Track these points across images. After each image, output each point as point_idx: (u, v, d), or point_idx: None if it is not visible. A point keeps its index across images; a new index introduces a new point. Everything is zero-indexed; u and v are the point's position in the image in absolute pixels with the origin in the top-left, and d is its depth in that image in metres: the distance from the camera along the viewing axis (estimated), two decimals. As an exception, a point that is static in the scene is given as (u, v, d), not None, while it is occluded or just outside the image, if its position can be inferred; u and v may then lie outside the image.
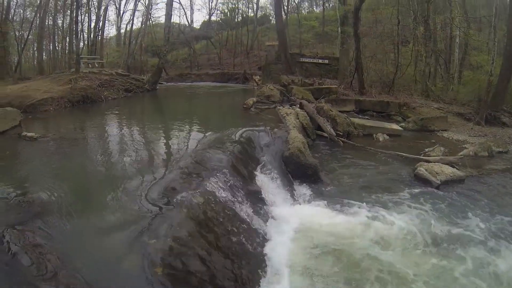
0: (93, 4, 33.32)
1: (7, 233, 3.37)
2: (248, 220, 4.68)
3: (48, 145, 7.03)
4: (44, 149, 6.72)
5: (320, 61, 22.64)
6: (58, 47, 36.06)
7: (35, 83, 16.62)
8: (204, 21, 48.44)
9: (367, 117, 12.97)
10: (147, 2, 34.59)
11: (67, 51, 35.35)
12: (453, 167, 7.45)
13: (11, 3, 29.65)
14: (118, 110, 13.42)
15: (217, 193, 4.63)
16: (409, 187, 6.56)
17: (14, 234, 3.37)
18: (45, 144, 7.08)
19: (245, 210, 4.80)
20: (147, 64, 33.75)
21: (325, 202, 5.72)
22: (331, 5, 41.56)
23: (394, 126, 10.95)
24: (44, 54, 33.54)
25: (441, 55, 19.69)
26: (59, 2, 32.04)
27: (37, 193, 4.22)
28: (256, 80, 24.42)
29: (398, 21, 18.53)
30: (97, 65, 24.13)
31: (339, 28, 28.26)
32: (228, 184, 5.04)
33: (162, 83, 24.93)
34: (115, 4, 39.24)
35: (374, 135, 10.18)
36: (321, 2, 44.79)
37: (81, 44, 30.34)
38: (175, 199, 4.23)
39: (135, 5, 35.90)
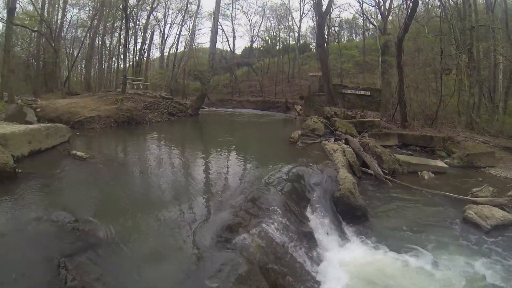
0: (140, 27, 35.08)
1: (62, 262, 3.51)
2: (302, 262, 4.75)
3: (98, 167, 7.22)
4: (94, 171, 6.91)
5: (362, 92, 22.65)
6: (104, 65, 38.07)
7: (82, 100, 17.43)
8: (245, 47, 49.57)
9: (410, 152, 12.81)
10: (191, 28, 36.00)
11: (112, 70, 37.32)
12: (503, 209, 7.20)
13: (64, 22, 31.92)
14: (162, 134, 13.89)
15: (273, 235, 4.76)
16: (458, 232, 6.45)
17: (70, 264, 3.51)
18: (95, 166, 7.27)
19: (299, 253, 4.87)
20: (188, 88, 34.83)
21: (374, 245, 5.73)
22: (370, 33, 41.73)
23: (439, 163, 10.81)
24: (91, 71, 35.58)
25: (484, 84, 19.33)
26: (107, 24, 33.96)
27: (90, 221, 4.34)
28: (298, 109, 24.75)
29: (441, 50, 18.37)
30: (141, 87, 25.08)
31: (380, 58, 28.31)
32: (283, 225, 5.14)
33: (203, 108, 25.53)
34: (159, 29, 41.14)
35: (419, 172, 10.06)
36: (360, 30, 45.11)
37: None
38: (233, 241, 4.34)
39: (180, 30, 37.40)
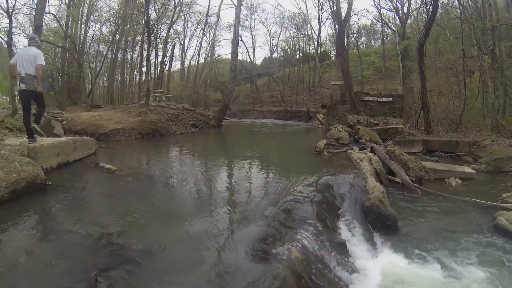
0: (160, 40, 35.76)
1: (100, 276, 3.61)
2: (338, 274, 4.82)
3: (126, 180, 7.40)
4: (122, 184, 7.08)
5: (384, 99, 22.55)
6: (126, 78, 38.90)
7: (106, 112, 18.03)
8: (265, 57, 49.92)
9: (435, 158, 12.77)
10: (211, 40, 36.52)
11: (134, 82, 38.14)
12: (536, 215, 7.03)
13: (87, 37, 32.99)
14: (187, 145, 14.21)
15: (309, 246, 4.85)
16: (489, 239, 6.36)
17: (107, 279, 3.60)
18: (123, 178, 7.47)
19: (334, 264, 4.94)
20: (210, 99, 35.28)
21: (406, 255, 5.72)
22: (389, 38, 41.48)
23: (466, 169, 10.72)
24: (114, 84, 36.46)
25: (509, 84, 19.17)
26: (129, 38, 34.80)
27: (123, 234, 4.47)
28: (320, 118, 24.80)
29: (463, 52, 18.24)
30: (164, 99, 25.53)
31: (400, 63, 28.15)
32: (317, 236, 5.23)
33: (225, 118, 25.88)
34: (180, 41, 41.78)
35: (446, 179, 10.03)
36: (379, 36, 44.88)
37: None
38: (270, 253, 4.43)
39: (200, 42, 38.05)
